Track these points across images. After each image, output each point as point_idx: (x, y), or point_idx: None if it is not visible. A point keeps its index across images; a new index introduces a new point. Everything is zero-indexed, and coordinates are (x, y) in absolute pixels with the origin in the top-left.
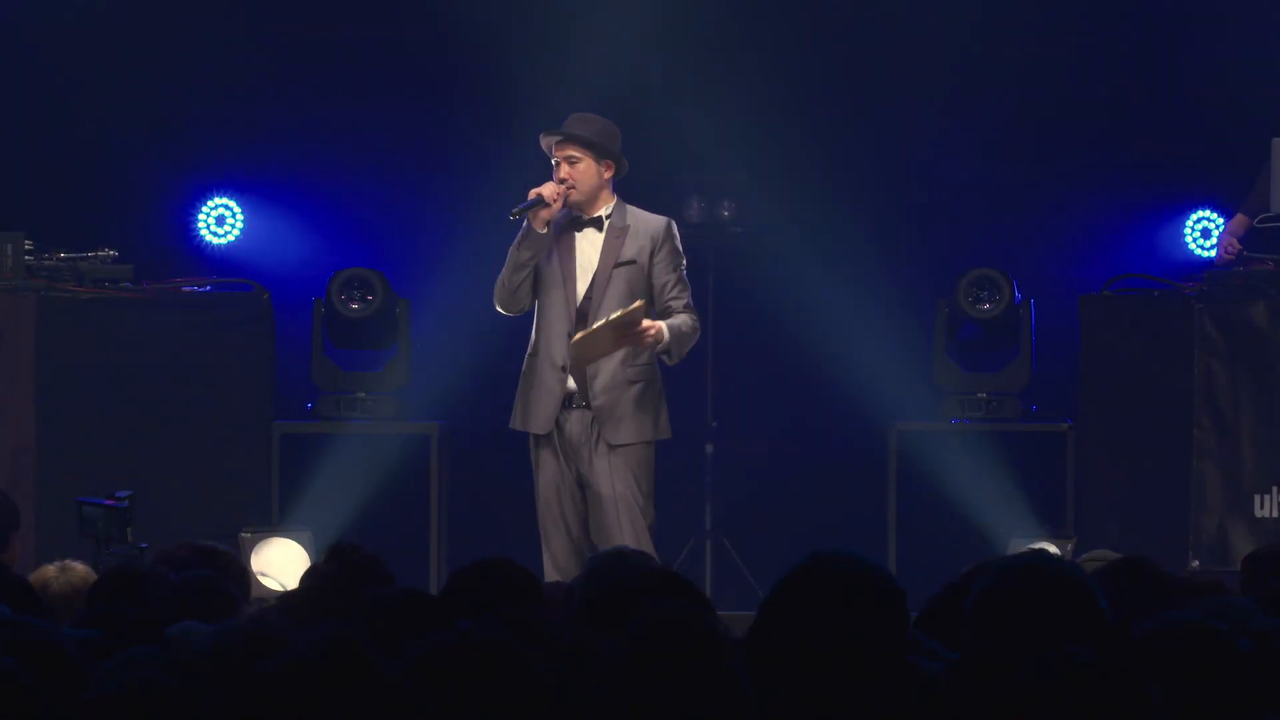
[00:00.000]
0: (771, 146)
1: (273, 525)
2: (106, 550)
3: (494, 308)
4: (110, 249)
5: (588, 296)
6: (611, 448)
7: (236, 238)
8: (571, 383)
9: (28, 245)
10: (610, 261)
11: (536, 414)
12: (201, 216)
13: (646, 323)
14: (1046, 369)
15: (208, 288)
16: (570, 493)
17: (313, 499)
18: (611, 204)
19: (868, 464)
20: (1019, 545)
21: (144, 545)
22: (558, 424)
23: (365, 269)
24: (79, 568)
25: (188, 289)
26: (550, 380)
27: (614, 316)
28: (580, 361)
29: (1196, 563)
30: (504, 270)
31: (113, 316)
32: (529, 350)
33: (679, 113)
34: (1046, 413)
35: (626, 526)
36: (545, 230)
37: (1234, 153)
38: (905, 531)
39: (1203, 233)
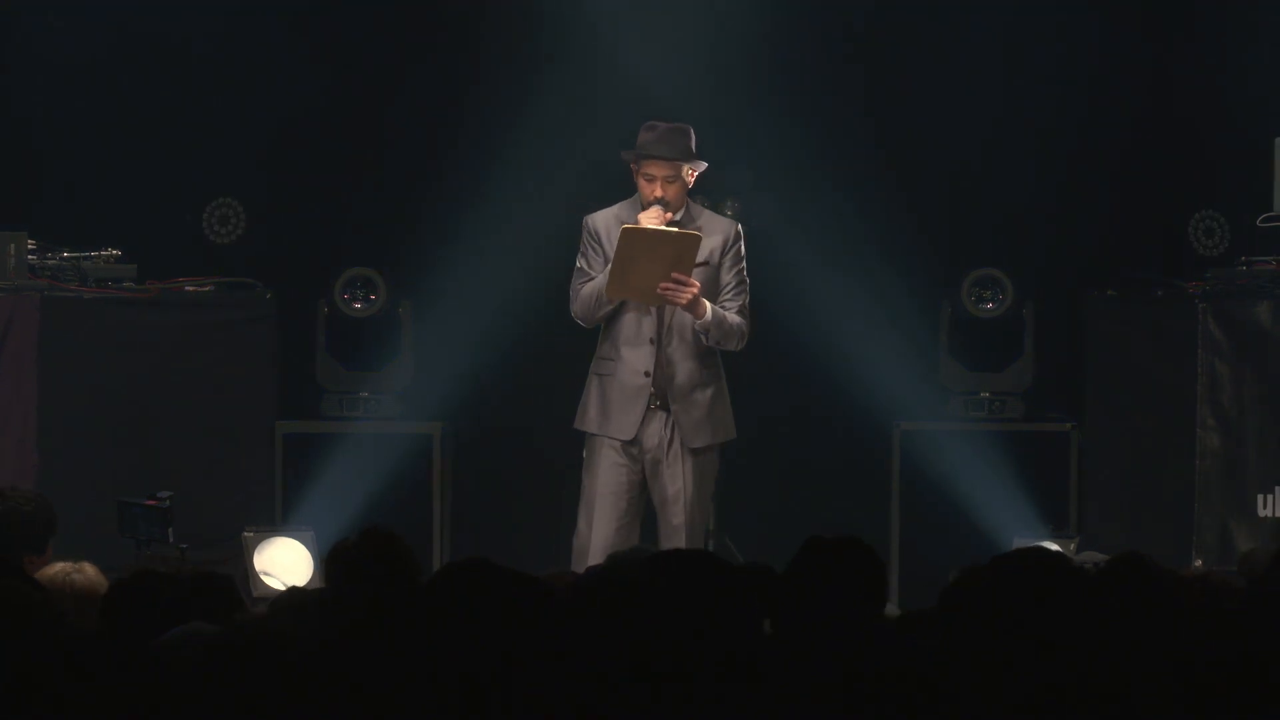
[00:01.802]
0: (775, 145)
1: (276, 525)
2: (147, 550)
3: (496, 306)
4: (114, 248)
5: None
6: (688, 451)
7: (240, 237)
8: (653, 387)
9: (31, 244)
10: None
11: (621, 420)
12: (205, 216)
13: (692, 281)
14: (1050, 369)
15: (211, 287)
16: (630, 497)
17: (316, 499)
18: (685, 205)
19: (871, 463)
20: (1022, 545)
21: (184, 545)
22: None
23: (368, 269)
24: (89, 569)
25: (191, 288)
26: (634, 385)
27: (671, 229)
28: (618, 274)
29: (1199, 562)
30: (601, 293)
31: (116, 316)
32: (601, 354)
33: (683, 112)
34: (1050, 412)
35: (687, 527)
36: None
37: (1237, 152)
38: (908, 531)
39: (1205, 232)
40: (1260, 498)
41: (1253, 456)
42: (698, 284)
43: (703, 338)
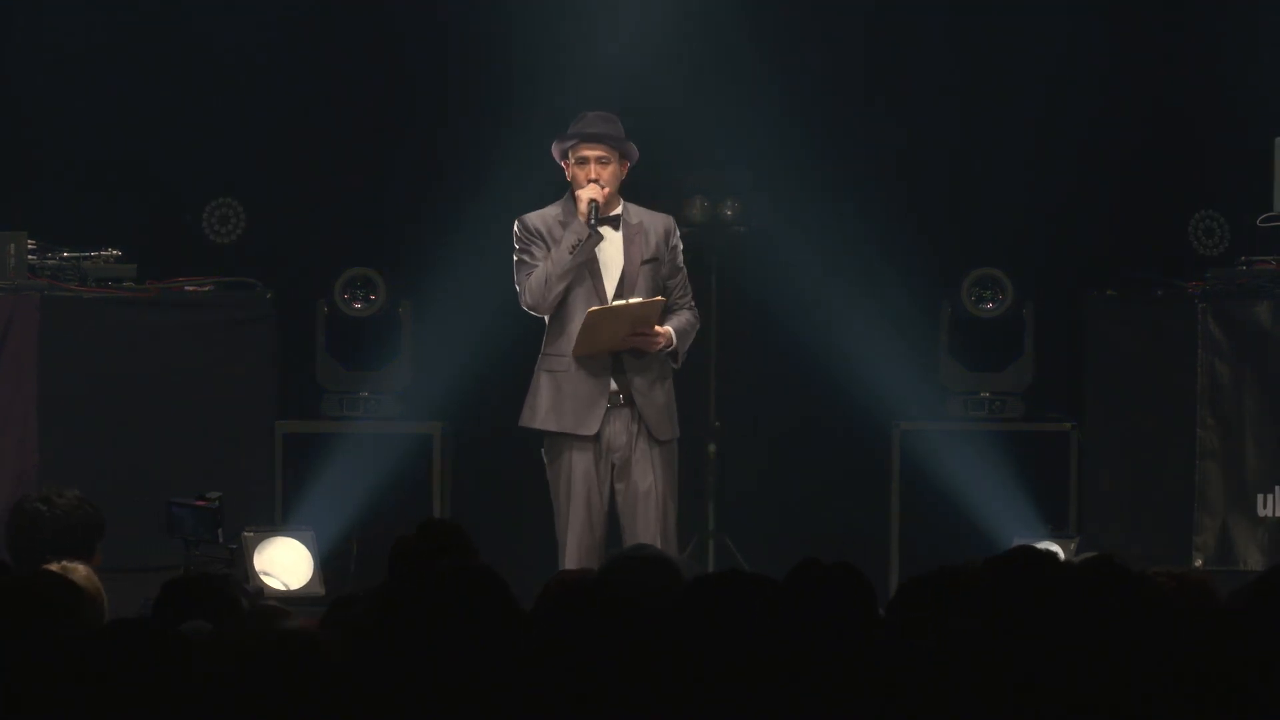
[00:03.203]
0: (775, 146)
1: (276, 525)
2: (195, 551)
3: (496, 306)
4: (114, 248)
5: (618, 294)
6: (655, 443)
7: (240, 237)
8: (614, 383)
9: (31, 244)
10: (638, 259)
11: (583, 415)
12: (205, 216)
13: (658, 328)
14: (1050, 369)
15: (211, 287)
16: (600, 493)
17: (316, 499)
18: (620, 202)
19: (871, 463)
20: (1021, 545)
21: (234, 545)
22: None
23: (368, 269)
24: (80, 568)
25: (191, 288)
26: (595, 379)
27: (635, 301)
28: (585, 340)
29: (1199, 562)
30: (549, 274)
31: (116, 316)
32: (552, 350)
33: (682, 112)
34: (1050, 412)
35: (662, 521)
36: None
37: (1237, 152)
38: (908, 531)
39: (1205, 232)
40: (1260, 498)
41: (1252, 456)
42: (665, 333)
43: (671, 363)
